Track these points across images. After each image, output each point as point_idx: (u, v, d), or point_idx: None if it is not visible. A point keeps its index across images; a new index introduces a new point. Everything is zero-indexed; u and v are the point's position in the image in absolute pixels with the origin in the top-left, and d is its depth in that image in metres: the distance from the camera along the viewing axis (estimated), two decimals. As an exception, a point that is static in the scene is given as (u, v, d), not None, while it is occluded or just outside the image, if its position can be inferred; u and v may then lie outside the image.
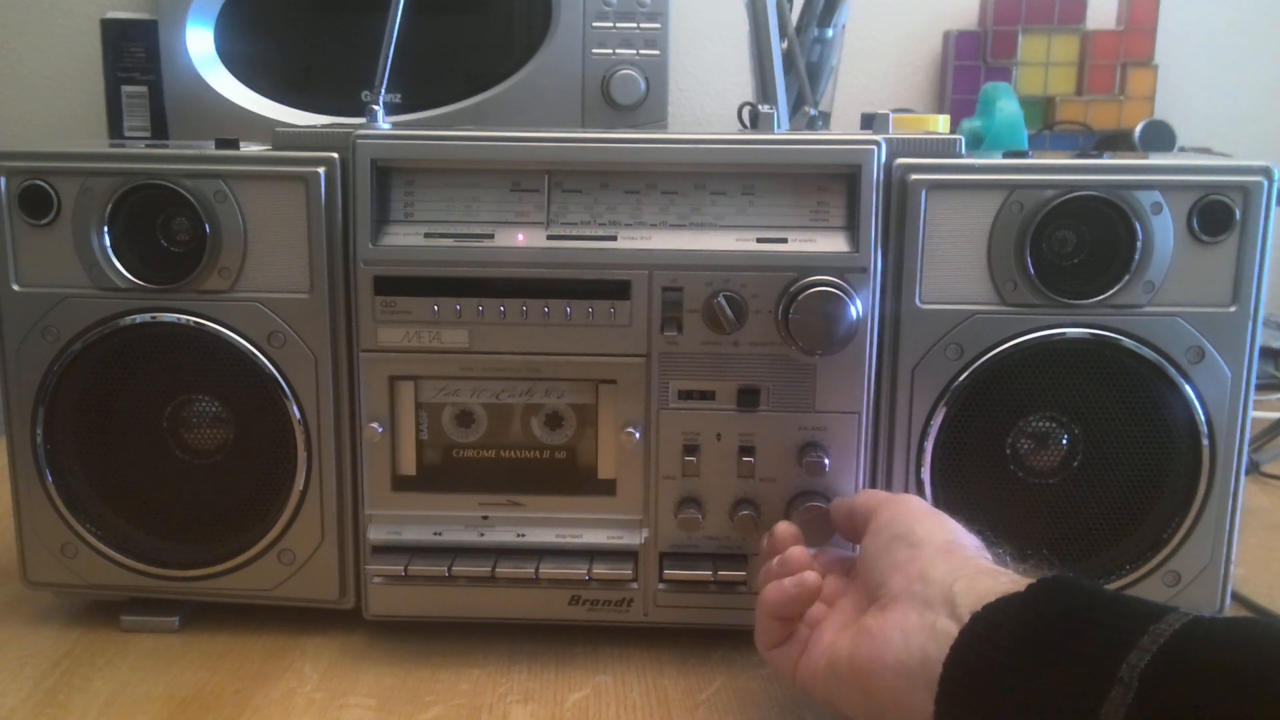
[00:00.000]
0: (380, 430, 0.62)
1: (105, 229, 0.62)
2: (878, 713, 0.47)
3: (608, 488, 0.63)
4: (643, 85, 1.05)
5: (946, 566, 0.47)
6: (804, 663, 0.52)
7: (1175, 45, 1.26)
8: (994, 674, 0.41)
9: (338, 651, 0.63)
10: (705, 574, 0.62)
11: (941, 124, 0.85)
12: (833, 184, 0.61)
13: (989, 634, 0.42)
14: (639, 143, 0.61)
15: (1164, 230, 0.59)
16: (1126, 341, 0.60)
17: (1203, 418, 0.60)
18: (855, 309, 0.58)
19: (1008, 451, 0.62)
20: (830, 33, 0.96)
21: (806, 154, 0.60)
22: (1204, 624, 0.38)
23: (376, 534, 0.63)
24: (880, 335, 0.61)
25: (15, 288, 0.63)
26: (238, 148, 0.64)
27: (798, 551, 0.54)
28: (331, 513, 0.64)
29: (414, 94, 1.06)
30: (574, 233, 0.61)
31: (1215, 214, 0.59)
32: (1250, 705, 0.34)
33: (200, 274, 0.62)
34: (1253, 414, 0.61)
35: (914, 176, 0.60)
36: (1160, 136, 1.15)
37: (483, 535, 0.63)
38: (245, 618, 0.66)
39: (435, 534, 0.63)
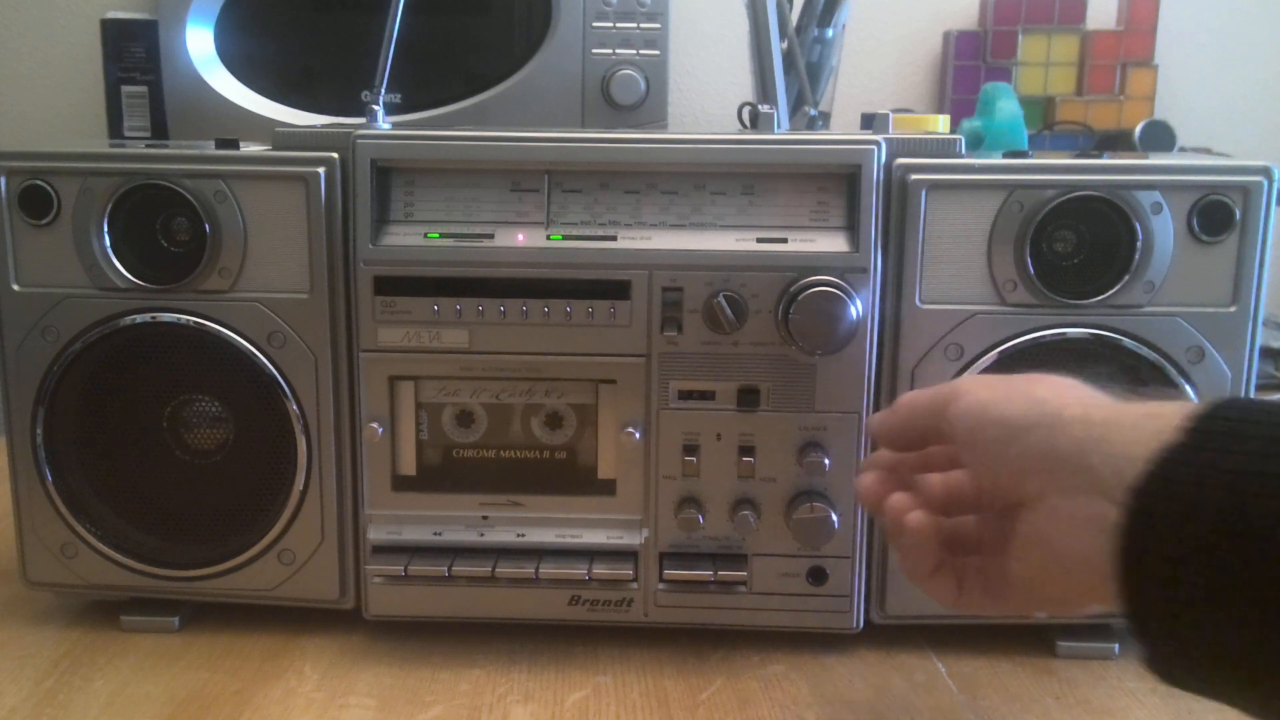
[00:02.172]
0: (380, 430, 0.62)
1: (105, 229, 0.62)
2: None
3: (608, 488, 0.63)
4: (643, 85, 1.05)
5: (1067, 439, 0.41)
6: (965, 599, 0.48)
7: (1175, 45, 1.26)
8: (1176, 555, 0.35)
9: (338, 651, 0.63)
10: (705, 574, 0.62)
11: (941, 124, 0.85)
12: (833, 184, 0.61)
13: (1155, 515, 0.36)
14: (639, 143, 0.61)
15: (1164, 230, 0.59)
16: (1126, 341, 0.60)
17: (1203, 418, 0.60)
18: (855, 309, 0.58)
19: (1008, 451, 0.62)
20: (830, 33, 0.96)
21: (806, 154, 0.60)
22: None
23: (376, 534, 0.63)
24: (880, 335, 0.61)
25: (15, 288, 0.63)
26: (238, 148, 0.64)
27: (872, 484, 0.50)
28: (331, 513, 0.64)
29: (414, 94, 1.06)
30: (574, 233, 0.61)
31: (1215, 214, 0.59)
32: None
33: (200, 274, 0.62)
34: (1253, 414, 0.61)
35: (914, 176, 0.60)
36: (1160, 136, 1.15)
37: (483, 535, 0.63)
38: (245, 618, 0.66)
39: (435, 534, 0.63)
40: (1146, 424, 0.38)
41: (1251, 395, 0.61)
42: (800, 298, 0.58)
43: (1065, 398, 0.43)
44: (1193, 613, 0.35)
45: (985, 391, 0.46)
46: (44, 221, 0.62)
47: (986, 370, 0.60)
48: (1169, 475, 0.36)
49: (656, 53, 1.05)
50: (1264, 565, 0.33)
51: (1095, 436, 0.40)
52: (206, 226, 0.61)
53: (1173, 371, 0.60)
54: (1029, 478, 0.43)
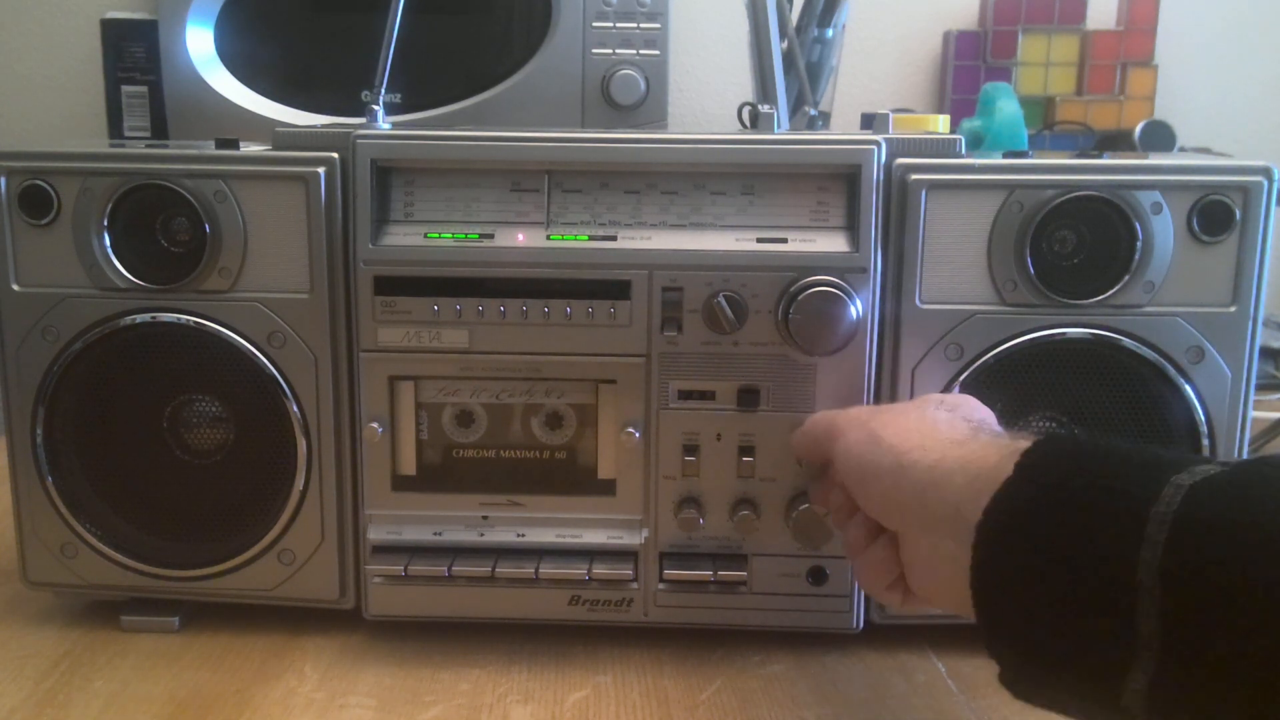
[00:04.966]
0: (380, 430, 0.62)
1: (105, 229, 0.62)
2: None
3: (608, 488, 0.63)
4: (643, 85, 1.05)
5: (908, 484, 0.47)
6: (909, 601, 0.52)
7: (1175, 45, 1.26)
8: (1018, 577, 0.40)
9: (338, 651, 0.64)
10: (705, 574, 0.62)
11: (941, 124, 0.85)
12: (833, 184, 0.61)
13: (1002, 540, 0.41)
14: (639, 143, 0.61)
15: (1164, 230, 0.59)
16: (1126, 341, 0.60)
17: (1203, 418, 0.60)
18: (855, 309, 0.58)
19: (1008, 451, 0.62)
20: (830, 33, 0.96)
21: (806, 154, 0.60)
22: (1202, 498, 0.36)
23: (376, 534, 0.63)
24: (880, 335, 0.61)
25: (15, 288, 0.63)
26: (238, 148, 0.64)
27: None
28: (331, 513, 0.64)
29: (414, 94, 1.06)
30: (574, 233, 0.61)
31: (1215, 214, 0.59)
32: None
33: (200, 274, 0.62)
34: (1253, 414, 0.61)
35: (914, 176, 0.60)
36: (1160, 136, 1.15)
37: (483, 535, 0.63)
38: (245, 618, 0.66)
39: (435, 534, 0.63)
40: (971, 466, 0.44)
41: (1251, 395, 0.61)
42: (800, 298, 0.58)
43: (910, 440, 0.48)
44: (1033, 628, 0.40)
45: (855, 432, 0.51)
46: (44, 221, 0.62)
47: (986, 371, 0.60)
48: (1007, 510, 0.41)
49: (656, 53, 1.05)
50: (1091, 583, 0.37)
51: (929, 481, 0.45)
52: (206, 226, 0.61)
53: (1172, 371, 0.60)
54: (890, 516, 0.49)
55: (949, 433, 0.48)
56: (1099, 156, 0.62)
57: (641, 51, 1.05)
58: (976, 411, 0.53)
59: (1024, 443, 0.43)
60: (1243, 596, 0.33)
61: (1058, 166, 0.60)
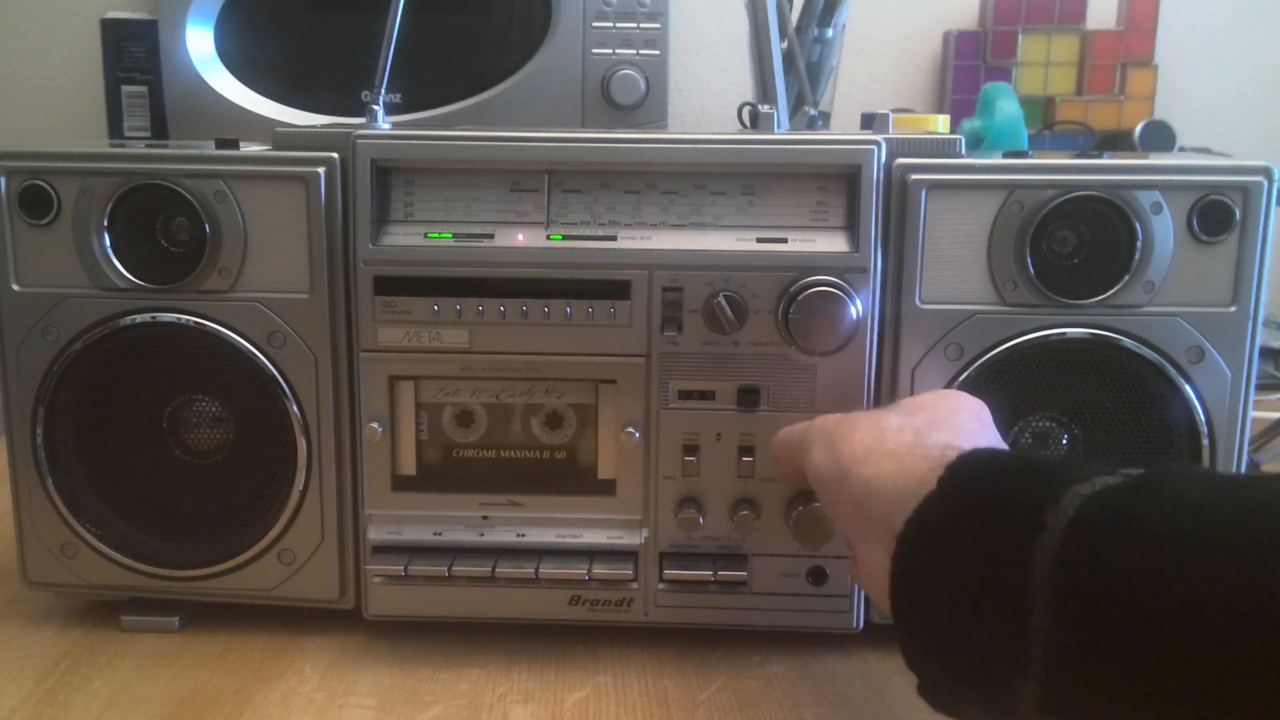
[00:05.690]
0: (380, 430, 0.62)
1: (105, 229, 0.62)
2: None
3: (608, 488, 0.63)
4: (643, 85, 1.05)
5: (849, 494, 0.48)
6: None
7: (1175, 45, 1.26)
8: (929, 586, 0.41)
9: (338, 651, 0.64)
10: (705, 574, 0.62)
11: (941, 124, 0.85)
12: (833, 184, 0.61)
13: (917, 550, 0.42)
14: (639, 143, 0.61)
15: (1164, 230, 0.59)
16: (1126, 341, 0.60)
17: (1203, 418, 0.60)
18: (855, 309, 0.58)
19: (1008, 451, 0.62)
20: (830, 33, 0.96)
21: (806, 154, 0.60)
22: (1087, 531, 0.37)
23: (376, 534, 0.63)
24: (880, 335, 0.61)
25: (15, 288, 0.63)
26: (238, 148, 0.64)
27: None
28: (331, 513, 0.64)
29: (414, 94, 1.06)
30: (574, 233, 0.61)
31: (1215, 214, 0.59)
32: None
33: (200, 274, 0.62)
34: (1253, 414, 0.61)
35: (914, 176, 0.60)
36: (1160, 136, 1.15)
37: (483, 535, 0.63)
38: (245, 618, 0.66)
39: (435, 534, 0.63)
40: (902, 479, 0.44)
41: (1251, 395, 0.61)
42: (800, 298, 0.58)
43: (855, 452, 0.48)
44: (941, 636, 0.41)
45: (819, 444, 0.51)
46: (44, 221, 0.62)
47: (986, 371, 0.60)
48: (922, 523, 0.42)
49: (656, 53, 1.05)
50: (990, 589, 0.38)
51: (865, 493, 0.46)
52: (206, 226, 0.61)
53: (1172, 371, 0.60)
54: (840, 524, 0.50)
55: (892, 443, 0.48)
56: (1099, 156, 0.62)
57: (641, 51, 1.05)
58: (948, 407, 0.52)
59: (953, 456, 0.43)
60: (1127, 601, 0.34)
61: (1058, 166, 0.60)
